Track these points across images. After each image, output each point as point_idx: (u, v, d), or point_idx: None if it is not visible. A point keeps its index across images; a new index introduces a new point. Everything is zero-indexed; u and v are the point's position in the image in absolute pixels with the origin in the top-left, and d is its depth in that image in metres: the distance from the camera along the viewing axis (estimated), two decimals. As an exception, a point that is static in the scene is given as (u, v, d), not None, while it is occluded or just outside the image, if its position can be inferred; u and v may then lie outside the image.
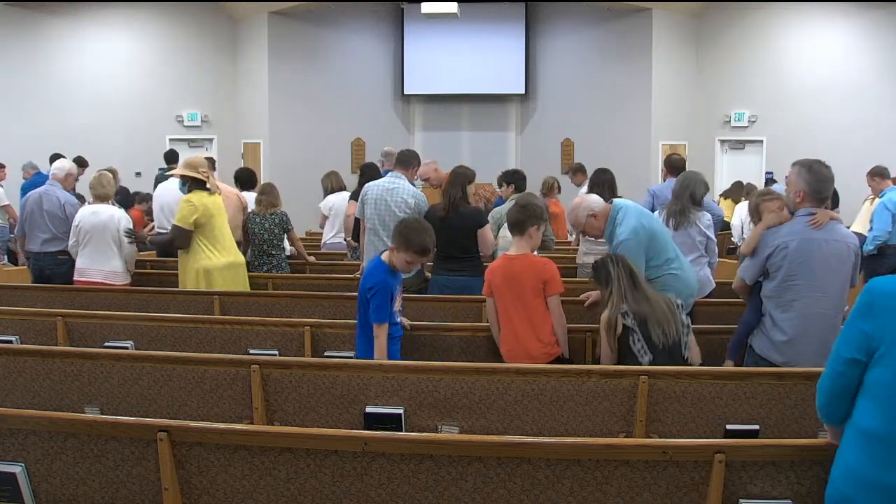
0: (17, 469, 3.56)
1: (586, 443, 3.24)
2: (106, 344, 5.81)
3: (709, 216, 6.84)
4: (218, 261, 7.35)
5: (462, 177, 7.12)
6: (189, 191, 7.38)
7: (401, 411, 4.29)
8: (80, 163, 13.58)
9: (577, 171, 12.03)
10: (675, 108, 17.12)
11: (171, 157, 13.19)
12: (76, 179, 8.57)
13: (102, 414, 4.27)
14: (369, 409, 4.33)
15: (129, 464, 3.56)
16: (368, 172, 8.99)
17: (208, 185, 7.38)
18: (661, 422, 4.30)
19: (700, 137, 17.03)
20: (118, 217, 7.76)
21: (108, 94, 16.98)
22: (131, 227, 7.86)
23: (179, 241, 7.27)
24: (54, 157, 13.68)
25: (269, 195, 8.48)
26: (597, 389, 4.34)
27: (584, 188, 9.11)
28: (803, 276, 4.87)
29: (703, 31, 17.25)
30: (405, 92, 18.75)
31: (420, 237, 5.06)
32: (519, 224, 5.42)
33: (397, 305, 5.26)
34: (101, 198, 7.81)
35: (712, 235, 6.81)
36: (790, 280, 4.90)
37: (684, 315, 4.98)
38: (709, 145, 17.10)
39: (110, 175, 8.16)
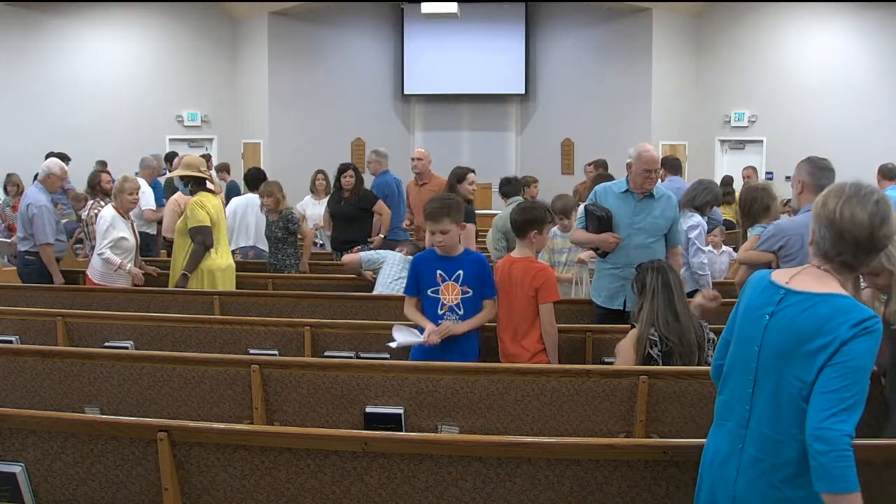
0: (17, 469, 3.56)
1: (586, 443, 3.24)
2: (106, 344, 5.81)
3: (697, 219, 6.84)
4: (221, 262, 7.37)
5: (453, 175, 7.24)
6: (191, 192, 7.38)
7: (401, 411, 4.29)
8: (61, 158, 13.63)
9: (598, 166, 11.80)
10: (676, 108, 17.13)
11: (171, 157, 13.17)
12: (61, 178, 8.47)
13: (102, 414, 4.27)
14: (369, 409, 4.33)
15: (129, 464, 3.56)
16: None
17: (209, 185, 7.38)
18: (661, 422, 4.30)
19: (700, 137, 17.05)
20: None
21: (109, 94, 17.03)
22: None
23: (208, 239, 7.27)
24: (49, 157, 13.74)
25: (270, 197, 8.39)
26: (597, 389, 4.34)
27: None
28: None
29: (703, 30, 17.27)
30: (405, 92, 18.77)
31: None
32: (519, 227, 5.40)
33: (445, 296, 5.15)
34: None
35: (693, 236, 6.77)
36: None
37: (709, 332, 4.87)
38: (709, 145, 17.12)
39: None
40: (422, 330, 5.09)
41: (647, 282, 4.83)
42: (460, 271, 5.10)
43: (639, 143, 6.16)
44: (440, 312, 5.11)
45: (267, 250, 8.75)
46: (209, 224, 7.21)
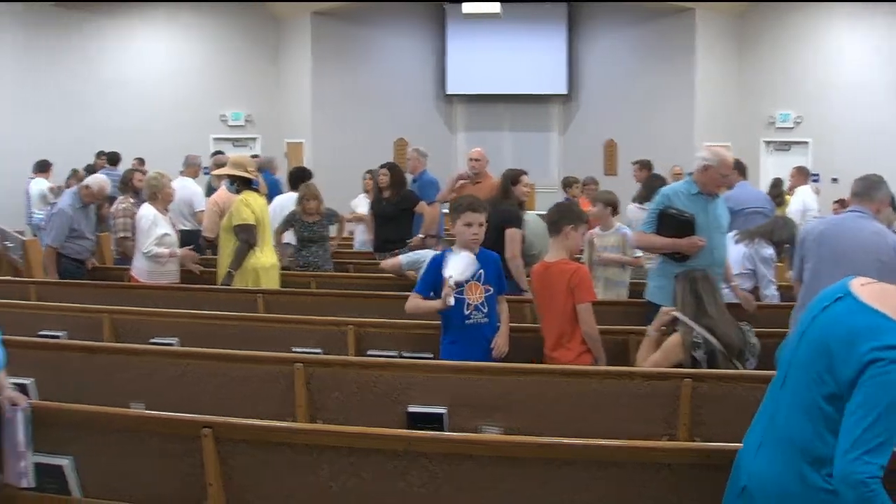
0: (64, 462, 3.61)
1: (629, 445, 3.22)
2: (151, 341, 5.84)
3: (770, 251, 6.77)
4: (265, 261, 7.42)
5: (506, 177, 7.18)
6: (238, 190, 7.44)
7: (443, 411, 4.29)
8: (112, 159, 13.85)
9: (644, 166, 11.62)
10: (719, 108, 16.95)
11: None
12: (95, 196, 8.58)
13: (147, 410, 4.31)
14: (412, 409, 4.33)
15: (173, 459, 3.60)
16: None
17: (255, 185, 7.43)
18: (704, 425, 4.25)
19: (744, 139, 16.82)
20: None
21: (154, 94, 17.21)
22: None
23: (252, 237, 7.32)
24: (106, 155, 13.99)
25: (314, 201, 8.40)
26: (639, 391, 4.31)
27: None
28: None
29: (747, 30, 17.06)
30: (447, 92, 18.75)
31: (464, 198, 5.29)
32: (554, 223, 5.39)
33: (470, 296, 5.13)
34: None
35: (766, 269, 6.74)
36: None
37: (752, 335, 4.86)
38: (753, 146, 16.90)
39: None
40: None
41: (676, 289, 4.93)
42: (482, 270, 5.09)
43: (713, 148, 6.16)
44: (466, 312, 5.09)
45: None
46: (253, 222, 7.26)
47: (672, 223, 5.92)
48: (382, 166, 9.21)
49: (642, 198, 8.29)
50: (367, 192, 10.55)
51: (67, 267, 8.27)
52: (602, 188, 11.42)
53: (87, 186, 8.45)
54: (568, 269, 5.23)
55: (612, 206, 7.59)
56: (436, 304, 5.07)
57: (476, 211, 5.09)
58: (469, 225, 5.07)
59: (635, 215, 8.42)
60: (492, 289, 5.13)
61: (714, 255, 5.87)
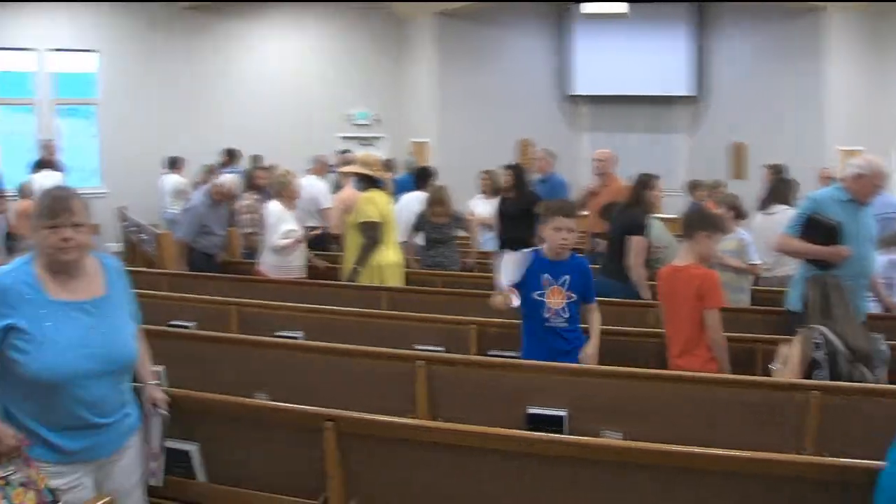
0: (192, 448, 3.71)
1: (754, 457, 3.12)
2: (276, 334, 5.96)
3: None
4: (391, 258, 7.49)
5: (640, 182, 7.08)
6: (364, 188, 7.53)
7: (563, 414, 4.25)
8: (233, 157, 14.22)
9: (777, 171, 11.25)
10: (853, 111, 16.32)
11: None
12: (226, 195, 8.79)
13: (271, 400, 4.39)
14: (532, 410, 4.30)
15: (294, 450, 3.67)
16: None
17: (381, 183, 7.51)
18: (833, 440, 4.09)
19: (878, 143, 16.17)
20: None
21: (281, 93, 17.57)
22: None
23: (376, 235, 7.41)
24: (228, 152, 14.37)
25: (443, 205, 8.45)
26: (766, 402, 4.19)
27: None
28: None
29: (881, 29, 16.34)
30: (572, 92, 18.59)
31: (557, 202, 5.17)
32: (689, 227, 5.29)
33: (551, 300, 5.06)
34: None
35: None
36: None
37: (881, 344, 4.68)
38: (886, 149, 16.21)
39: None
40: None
41: (808, 292, 4.85)
42: (567, 276, 5.00)
43: (867, 156, 5.99)
44: (546, 316, 5.03)
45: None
46: (378, 220, 7.33)
47: (819, 229, 5.76)
48: (506, 167, 9.21)
49: (766, 203, 7.93)
50: (484, 192, 10.56)
51: (196, 260, 8.55)
52: (729, 192, 11.18)
53: (218, 185, 8.69)
54: (697, 274, 5.14)
55: (735, 209, 7.44)
56: (496, 300, 5.07)
57: (568, 216, 4.99)
58: (558, 230, 4.96)
59: (760, 225, 7.98)
60: (574, 296, 5.01)
61: (862, 265, 5.72)
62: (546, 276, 5.00)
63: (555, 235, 4.97)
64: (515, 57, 18.22)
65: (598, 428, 4.26)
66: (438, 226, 8.37)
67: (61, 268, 3.19)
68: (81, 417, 3.19)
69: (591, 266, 5.28)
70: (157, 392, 3.57)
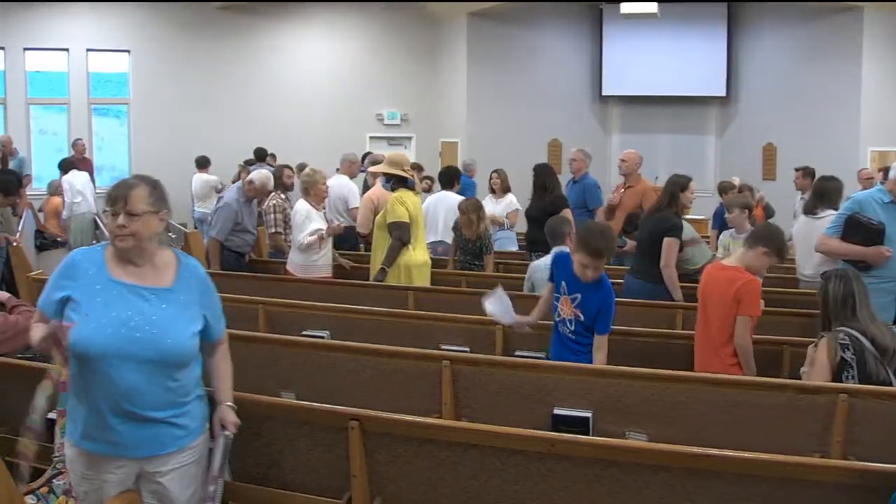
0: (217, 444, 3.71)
1: (778, 460, 3.09)
2: (303, 333, 5.98)
3: None
4: (418, 258, 7.48)
5: (673, 184, 7.01)
6: (393, 188, 7.53)
7: (589, 415, 4.24)
8: (259, 156, 14.31)
9: (807, 174, 11.11)
10: (887, 112, 16.12)
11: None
12: (258, 190, 8.83)
13: (297, 399, 4.41)
14: (557, 411, 4.29)
15: (319, 449, 3.68)
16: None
17: (411, 183, 7.51)
18: (858, 444, 4.05)
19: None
20: None
21: (312, 93, 17.69)
22: None
23: (405, 235, 7.40)
24: (258, 151, 14.47)
25: (465, 215, 8.43)
26: (791, 405, 4.15)
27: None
28: None
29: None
30: (603, 93, 18.52)
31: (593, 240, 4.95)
32: (757, 238, 5.24)
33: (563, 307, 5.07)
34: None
35: None
36: None
37: None
38: (922, 151, 16.10)
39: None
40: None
41: (828, 289, 4.76)
42: (578, 295, 4.95)
43: None
44: (557, 319, 5.09)
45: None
46: (407, 220, 7.33)
47: (860, 230, 5.70)
48: (535, 169, 9.19)
49: (813, 207, 7.72)
50: (493, 191, 10.55)
51: (228, 259, 8.58)
52: (760, 193, 11.14)
53: (250, 182, 8.74)
54: (739, 278, 5.09)
55: (749, 209, 7.43)
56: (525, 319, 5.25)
57: (596, 258, 4.88)
58: (584, 266, 4.89)
59: (805, 228, 7.73)
60: (582, 317, 4.94)
61: None
62: (565, 283, 5.01)
63: (580, 268, 4.92)
64: (546, 57, 18.16)
65: (623, 429, 4.25)
66: (466, 239, 8.36)
67: (122, 254, 3.25)
68: (114, 401, 3.14)
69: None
70: (228, 414, 3.52)
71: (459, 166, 12.58)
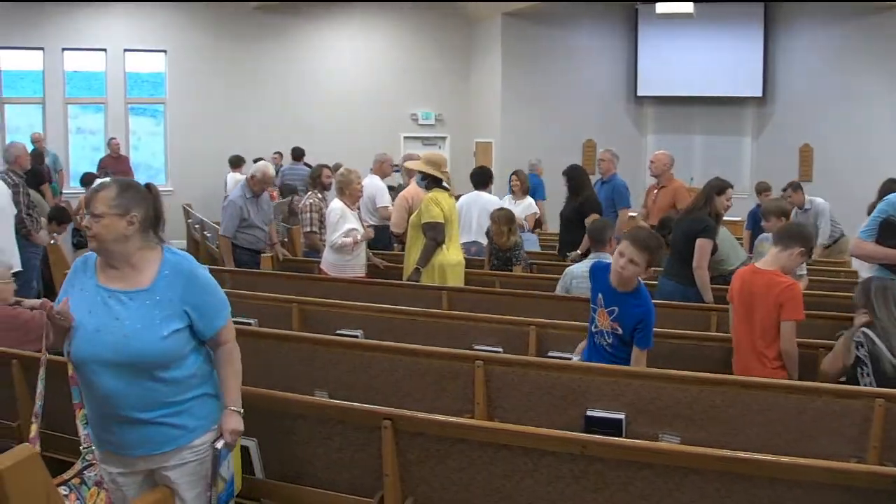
0: (250, 444, 3.75)
1: (813, 465, 3.07)
2: (337, 332, 5.99)
3: None
4: (452, 258, 7.48)
5: (712, 186, 6.96)
6: (427, 188, 7.53)
7: (622, 417, 4.23)
8: (296, 155, 14.44)
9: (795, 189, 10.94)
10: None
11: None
12: (262, 182, 8.87)
13: (330, 398, 4.42)
14: (590, 413, 4.28)
15: (352, 448, 3.69)
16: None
17: (445, 184, 7.51)
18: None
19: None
20: None
21: (347, 93, 17.77)
22: None
23: (439, 235, 7.41)
24: (294, 151, 14.59)
25: (496, 224, 8.41)
26: (827, 409, 4.11)
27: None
28: None
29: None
30: (638, 94, 18.43)
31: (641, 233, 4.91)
32: (789, 238, 5.21)
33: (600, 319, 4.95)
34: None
35: None
36: None
37: None
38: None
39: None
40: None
41: (857, 292, 4.90)
42: (615, 308, 4.81)
43: None
44: (593, 329, 4.97)
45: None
46: (442, 220, 7.34)
47: (895, 233, 5.63)
48: (566, 171, 9.18)
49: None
50: (513, 192, 10.53)
51: (241, 256, 8.66)
52: (778, 198, 11.02)
53: (251, 176, 8.79)
54: (779, 282, 5.06)
55: (786, 216, 7.37)
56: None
57: (637, 246, 4.75)
58: (621, 254, 4.77)
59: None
60: (620, 330, 4.80)
61: None
62: (601, 294, 4.89)
63: (618, 258, 4.80)
64: (581, 57, 18.09)
65: (656, 432, 4.23)
66: (498, 247, 8.35)
67: (100, 258, 3.26)
68: (101, 405, 3.21)
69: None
70: (227, 420, 3.39)
71: (493, 166, 12.57)
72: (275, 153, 15.91)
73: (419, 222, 7.44)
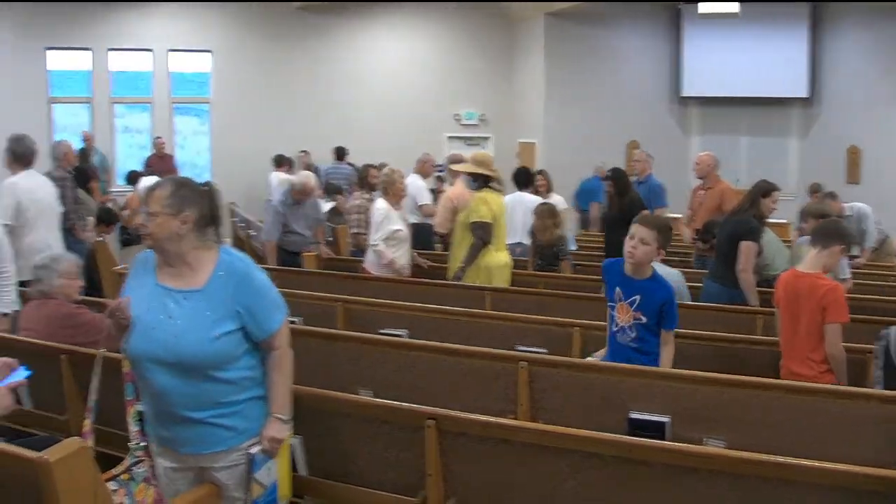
0: (294, 441, 3.76)
1: (862, 472, 3.02)
2: (380, 331, 6.00)
3: None
4: (498, 259, 7.47)
5: (758, 188, 6.93)
6: (479, 188, 7.52)
7: (666, 420, 4.20)
8: (339, 154, 14.58)
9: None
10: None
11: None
12: (302, 192, 8.98)
13: (375, 397, 4.44)
14: (634, 415, 4.25)
15: (396, 447, 3.70)
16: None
17: (496, 183, 7.51)
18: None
19: None
20: None
21: (390, 93, 17.81)
22: None
23: (486, 235, 7.41)
24: (338, 151, 14.69)
25: (541, 220, 8.44)
26: (876, 415, 4.05)
27: None
28: None
29: None
30: (682, 94, 18.28)
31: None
32: (827, 237, 5.17)
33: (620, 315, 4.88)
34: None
35: None
36: None
37: None
38: None
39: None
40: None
41: None
42: (637, 297, 4.76)
43: None
44: (614, 329, 4.90)
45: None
46: (490, 221, 7.34)
47: None
48: (606, 176, 9.14)
49: None
50: (539, 192, 10.49)
51: (285, 259, 8.82)
52: (843, 197, 10.90)
53: (292, 185, 8.92)
54: (822, 285, 5.01)
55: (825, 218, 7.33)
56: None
57: (647, 226, 4.76)
58: (632, 237, 4.76)
59: None
60: (645, 319, 4.75)
61: None
62: (619, 288, 4.85)
63: (627, 241, 4.79)
64: (625, 58, 17.98)
65: (700, 436, 4.19)
66: (542, 243, 8.34)
67: (157, 253, 3.31)
68: (155, 401, 3.28)
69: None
70: (270, 428, 3.38)
71: (536, 167, 12.55)
72: (301, 151, 15.99)
73: (467, 221, 7.43)
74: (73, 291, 5.24)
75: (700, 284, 7.09)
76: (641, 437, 3.66)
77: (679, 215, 10.42)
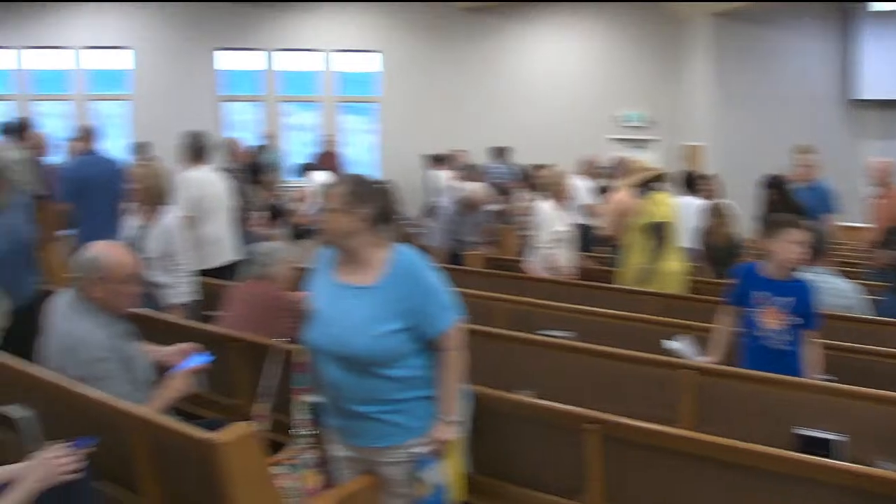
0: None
1: None
2: (541, 332, 5.96)
3: None
4: (672, 265, 7.32)
5: None
6: (649, 191, 7.42)
7: (836, 438, 4.04)
8: (498, 154, 14.72)
9: None
10: None
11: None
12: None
13: (537, 398, 4.45)
14: (802, 432, 4.13)
15: (558, 449, 3.72)
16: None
17: (664, 186, 7.42)
18: None
19: None
20: None
21: (552, 93, 17.81)
22: None
23: (666, 233, 7.31)
24: (496, 150, 14.76)
25: (720, 219, 8.31)
26: None
27: None
28: None
29: None
30: (857, 97, 17.53)
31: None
32: None
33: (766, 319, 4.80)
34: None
35: None
36: None
37: None
38: None
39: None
40: None
41: None
42: (793, 298, 4.68)
43: None
44: (756, 334, 4.77)
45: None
46: (665, 222, 7.24)
47: None
48: (768, 183, 8.89)
49: None
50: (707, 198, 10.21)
51: (451, 262, 8.97)
52: None
53: (462, 198, 9.07)
54: None
55: None
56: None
57: (805, 229, 4.75)
58: (795, 243, 4.70)
59: None
60: (802, 319, 4.69)
61: None
62: (763, 293, 4.76)
63: (789, 249, 4.70)
64: (795, 59, 17.40)
65: (871, 457, 4.01)
66: (715, 244, 8.16)
67: (338, 251, 3.41)
68: (328, 392, 3.42)
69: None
70: (436, 429, 3.40)
71: (704, 171, 12.31)
72: (457, 150, 15.94)
73: (641, 224, 7.32)
74: (290, 277, 5.52)
75: (881, 298, 6.80)
76: (807, 454, 3.55)
77: (847, 223, 10.01)
